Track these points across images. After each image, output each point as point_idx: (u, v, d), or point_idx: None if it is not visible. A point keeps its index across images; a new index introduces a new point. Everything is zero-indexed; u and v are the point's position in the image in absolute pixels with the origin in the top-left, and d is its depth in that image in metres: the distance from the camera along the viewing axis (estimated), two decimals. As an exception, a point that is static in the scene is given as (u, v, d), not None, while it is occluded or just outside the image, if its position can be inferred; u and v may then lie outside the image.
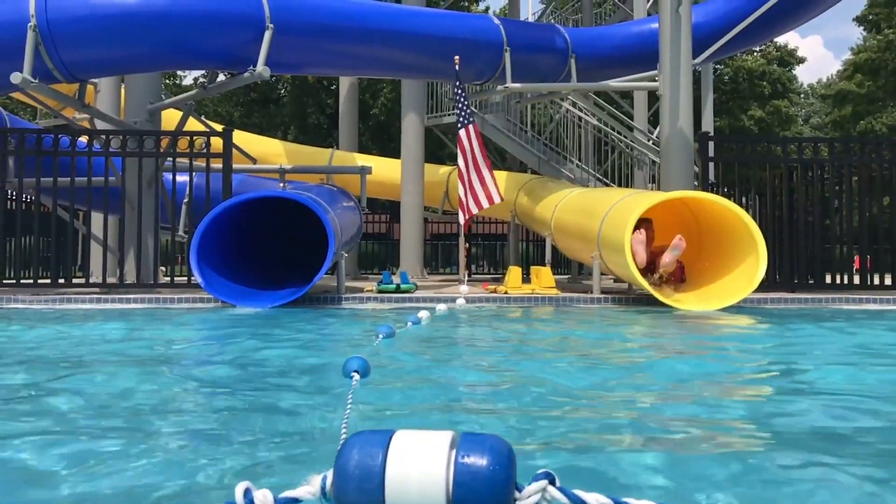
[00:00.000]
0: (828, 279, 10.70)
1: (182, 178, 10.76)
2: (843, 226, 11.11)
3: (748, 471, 1.95)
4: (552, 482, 1.45)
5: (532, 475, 1.46)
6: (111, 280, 9.94)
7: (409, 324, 5.73)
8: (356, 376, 3.15)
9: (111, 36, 8.94)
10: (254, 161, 12.92)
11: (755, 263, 8.10)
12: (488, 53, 11.65)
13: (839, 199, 11.07)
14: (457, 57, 10.27)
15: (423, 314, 6.27)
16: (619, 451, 2.17)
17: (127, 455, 2.11)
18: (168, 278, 10.53)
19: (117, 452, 2.16)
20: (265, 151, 15.41)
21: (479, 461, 1.45)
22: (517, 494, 1.45)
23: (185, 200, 11.16)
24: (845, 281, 10.63)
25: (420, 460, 1.47)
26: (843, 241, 11.09)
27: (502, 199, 10.37)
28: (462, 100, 10.09)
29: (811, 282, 10.53)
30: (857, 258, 11.55)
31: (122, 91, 12.21)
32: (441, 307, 7.43)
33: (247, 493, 1.43)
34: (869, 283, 10.52)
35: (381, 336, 4.78)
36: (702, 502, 1.71)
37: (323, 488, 1.49)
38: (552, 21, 19.29)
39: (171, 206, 10.64)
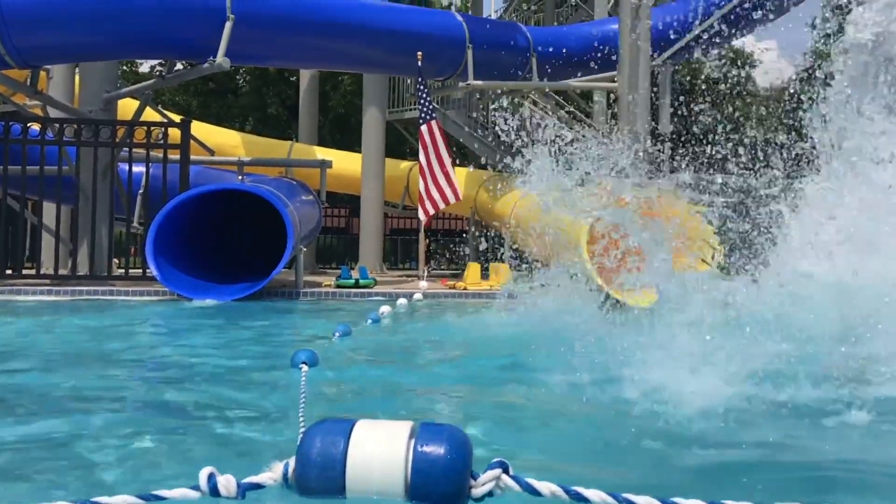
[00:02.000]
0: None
1: (138, 168, 10.58)
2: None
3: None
4: (506, 470, 1.51)
5: (487, 463, 1.52)
6: (63, 272, 9.74)
7: (369, 321, 5.75)
8: (304, 367, 3.20)
9: (67, 22, 8.76)
10: (211, 152, 12.75)
11: (708, 261, 8.29)
12: (451, 50, 11.69)
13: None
14: (419, 53, 10.30)
15: (385, 309, 6.30)
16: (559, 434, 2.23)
17: (88, 447, 2.11)
18: (122, 270, 10.35)
19: (76, 445, 2.15)
20: (223, 143, 15.20)
21: (436, 450, 1.50)
22: (472, 482, 1.50)
23: (141, 192, 10.98)
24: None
25: (380, 448, 1.51)
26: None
27: (459, 199, 10.39)
28: (424, 95, 10.12)
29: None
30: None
31: (77, 78, 11.95)
32: (402, 301, 7.45)
33: (210, 477, 1.46)
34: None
35: (337, 334, 4.79)
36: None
37: (285, 475, 1.52)
38: (514, 19, 19.41)
39: (127, 198, 10.46)
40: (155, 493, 1.43)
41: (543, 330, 5.08)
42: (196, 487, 1.45)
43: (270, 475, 1.53)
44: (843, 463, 2.02)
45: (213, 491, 1.44)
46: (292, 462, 1.52)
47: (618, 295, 8.20)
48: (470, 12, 19.38)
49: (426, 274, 10.51)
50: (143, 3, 8.98)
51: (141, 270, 9.59)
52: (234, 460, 2.00)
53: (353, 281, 9.56)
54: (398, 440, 1.51)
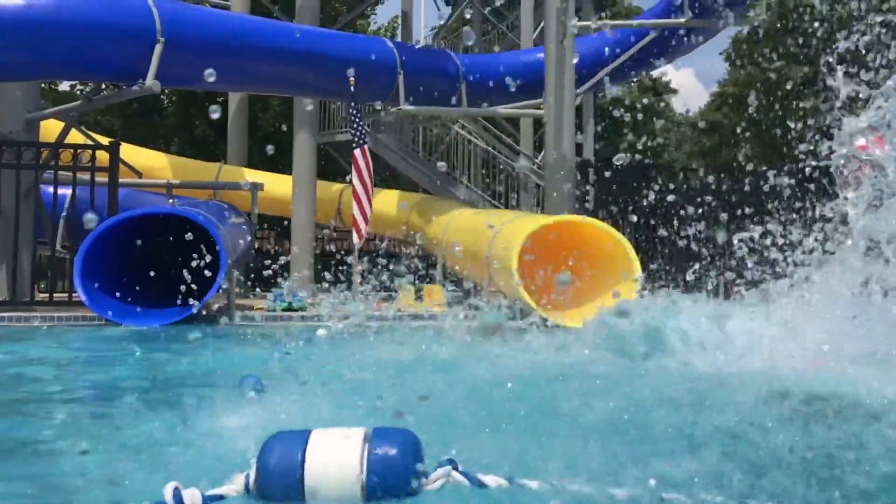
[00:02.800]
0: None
1: (62, 190, 10.33)
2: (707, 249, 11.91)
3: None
4: (455, 468, 1.68)
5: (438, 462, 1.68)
6: (-18, 298, 9.43)
7: (301, 342, 5.80)
8: (252, 394, 3.29)
9: (-11, 42, 8.56)
10: (139, 175, 12.56)
11: (631, 284, 8.68)
12: (382, 75, 11.89)
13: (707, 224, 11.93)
14: (352, 77, 10.44)
15: (321, 332, 6.35)
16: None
17: (58, 466, 2.17)
18: (45, 295, 10.07)
19: (44, 462, 2.21)
20: (150, 164, 14.95)
21: (389, 452, 1.66)
22: (425, 479, 1.66)
23: (64, 214, 10.72)
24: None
25: (336, 454, 1.65)
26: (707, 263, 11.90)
27: (368, 224, 10.45)
28: (357, 120, 10.26)
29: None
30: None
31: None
32: (338, 325, 7.48)
33: (175, 491, 1.56)
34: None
35: (277, 356, 4.85)
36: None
37: (246, 485, 1.65)
38: (442, 45, 19.79)
39: (53, 221, 10.19)
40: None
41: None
42: (161, 502, 1.55)
43: (232, 487, 1.65)
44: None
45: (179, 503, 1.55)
46: (253, 473, 1.65)
47: (547, 315, 8.49)
48: (399, 37, 19.69)
49: (359, 295, 10.55)
50: (70, 24, 8.85)
51: (67, 295, 9.37)
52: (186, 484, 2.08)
53: (286, 304, 9.57)
54: (352, 445, 1.66)
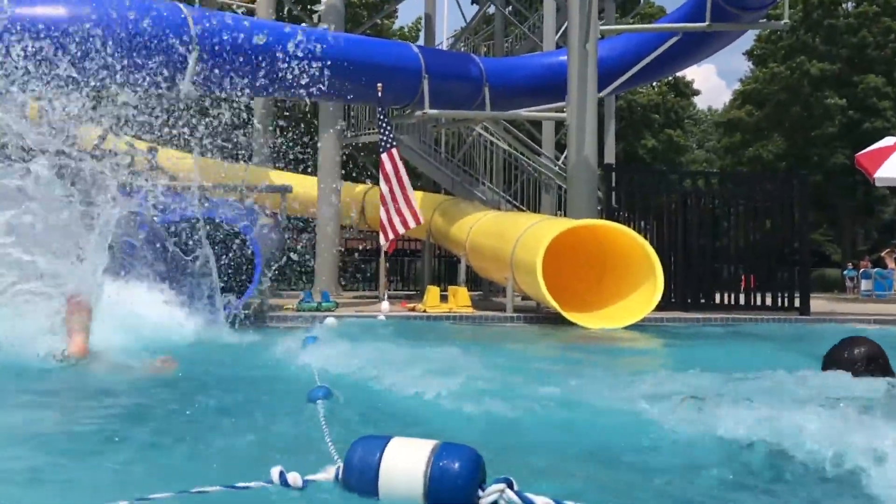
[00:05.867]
0: (717, 298, 11.65)
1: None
2: (731, 249, 12.08)
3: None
4: (510, 486, 1.90)
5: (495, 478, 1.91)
6: None
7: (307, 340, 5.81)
8: (321, 402, 3.51)
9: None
10: (174, 179, 12.87)
11: (653, 285, 8.88)
12: (408, 80, 12.13)
13: (728, 224, 12.08)
14: (379, 84, 10.70)
15: (330, 321, 6.44)
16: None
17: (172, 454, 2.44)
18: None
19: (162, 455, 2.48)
20: (176, 165, 15.26)
21: (450, 465, 1.90)
22: (480, 493, 1.89)
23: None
24: (732, 300, 11.59)
25: (407, 460, 1.91)
26: (731, 262, 12.07)
27: (420, 222, 10.80)
28: (384, 124, 10.51)
29: (702, 301, 11.47)
30: (743, 277, 12.56)
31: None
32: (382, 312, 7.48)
33: (281, 474, 1.85)
34: (752, 303, 11.54)
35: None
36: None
37: (337, 475, 1.93)
38: (463, 47, 19.98)
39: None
40: (238, 484, 1.80)
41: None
42: (269, 481, 1.84)
43: (325, 475, 1.93)
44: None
45: (284, 483, 1.84)
46: (342, 465, 1.93)
47: (570, 316, 8.69)
48: (422, 39, 19.91)
49: (385, 295, 10.83)
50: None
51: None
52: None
53: (315, 304, 9.85)
54: (421, 455, 1.91)
